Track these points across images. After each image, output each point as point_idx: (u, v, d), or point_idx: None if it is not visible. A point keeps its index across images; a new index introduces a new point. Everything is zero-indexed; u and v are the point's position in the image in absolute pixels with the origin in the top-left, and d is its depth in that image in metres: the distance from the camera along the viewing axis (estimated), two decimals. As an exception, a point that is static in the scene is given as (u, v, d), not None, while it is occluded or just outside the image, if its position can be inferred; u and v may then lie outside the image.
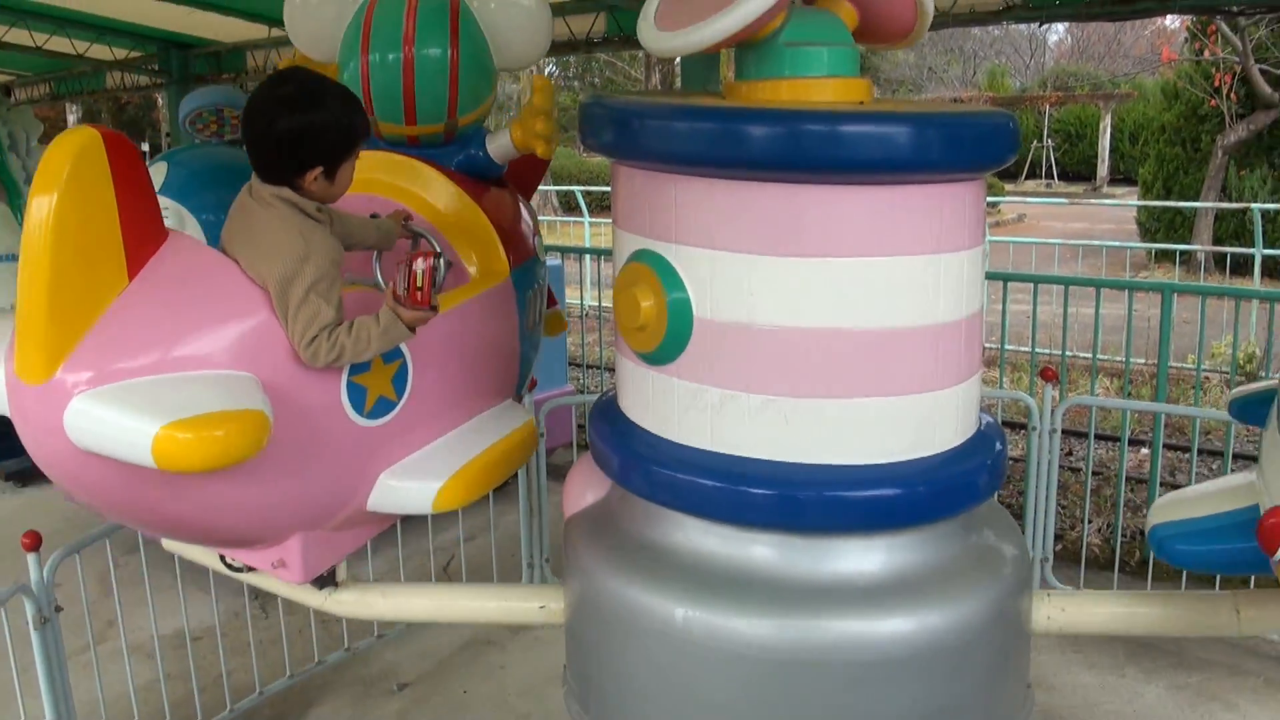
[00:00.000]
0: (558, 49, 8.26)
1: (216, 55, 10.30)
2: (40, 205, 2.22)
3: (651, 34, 2.52)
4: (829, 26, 2.60)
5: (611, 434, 2.85)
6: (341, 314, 2.67)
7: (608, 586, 2.73)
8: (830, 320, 2.44)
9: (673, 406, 2.66)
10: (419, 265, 2.67)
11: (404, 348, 2.87)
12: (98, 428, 2.29)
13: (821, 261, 2.41)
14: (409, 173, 3.47)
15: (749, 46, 2.59)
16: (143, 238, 2.40)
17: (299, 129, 2.68)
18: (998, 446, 2.76)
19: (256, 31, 9.28)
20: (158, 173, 5.33)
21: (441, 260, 2.78)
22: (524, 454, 3.34)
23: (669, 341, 2.59)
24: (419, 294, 2.67)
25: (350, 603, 3.27)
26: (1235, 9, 6.52)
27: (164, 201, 3.74)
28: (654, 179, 2.59)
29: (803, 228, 2.41)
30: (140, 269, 2.40)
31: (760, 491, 2.52)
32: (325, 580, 3.18)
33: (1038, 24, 6.59)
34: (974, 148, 2.47)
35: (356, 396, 2.79)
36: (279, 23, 9.05)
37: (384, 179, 3.47)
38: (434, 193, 3.45)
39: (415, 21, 3.36)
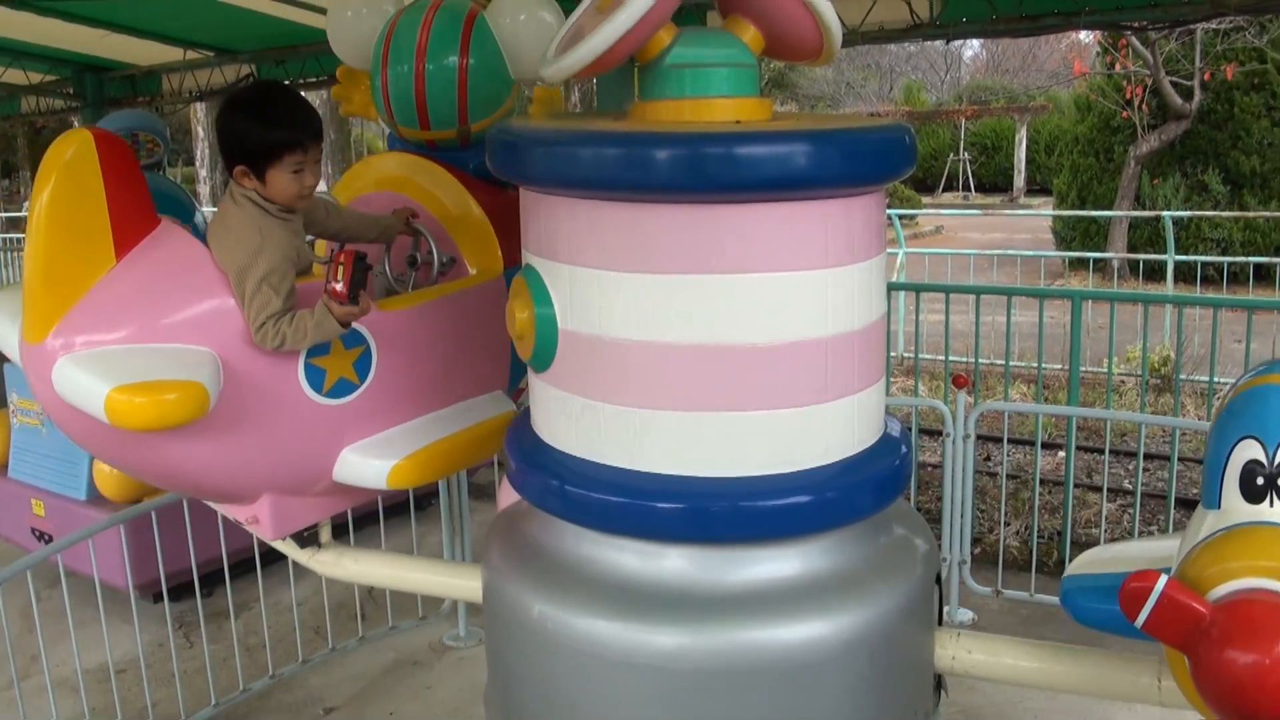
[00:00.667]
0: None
1: (131, 79, 10.23)
2: (38, 193, 2.60)
3: (541, 61, 2.60)
4: (720, 47, 2.65)
5: (513, 437, 2.93)
6: (291, 304, 2.91)
7: (513, 594, 2.77)
8: (677, 336, 2.49)
9: (552, 412, 2.75)
10: (341, 263, 2.85)
11: (367, 335, 3.13)
12: (70, 387, 2.66)
13: (668, 278, 2.46)
14: (425, 172, 3.74)
15: (644, 67, 2.64)
16: (130, 224, 2.75)
17: (222, 128, 3.04)
18: (903, 449, 2.81)
19: (172, 54, 9.24)
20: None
21: (364, 260, 2.91)
22: (492, 445, 3.49)
23: (540, 351, 2.69)
24: (338, 290, 2.85)
25: (328, 563, 3.56)
26: (1135, 25, 6.71)
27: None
28: (533, 198, 2.71)
29: (653, 245, 2.46)
30: (127, 252, 2.75)
31: (618, 499, 2.58)
32: (308, 540, 3.50)
33: (945, 41, 6.75)
34: (843, 163, 2.51)
35: (315, 377, 3.05)
36: (195, 45, 9.12)
37: (406, 177, 3.77)
38: (443, 191, 3.69)
39: (429, 34, 3.57)
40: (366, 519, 5.75)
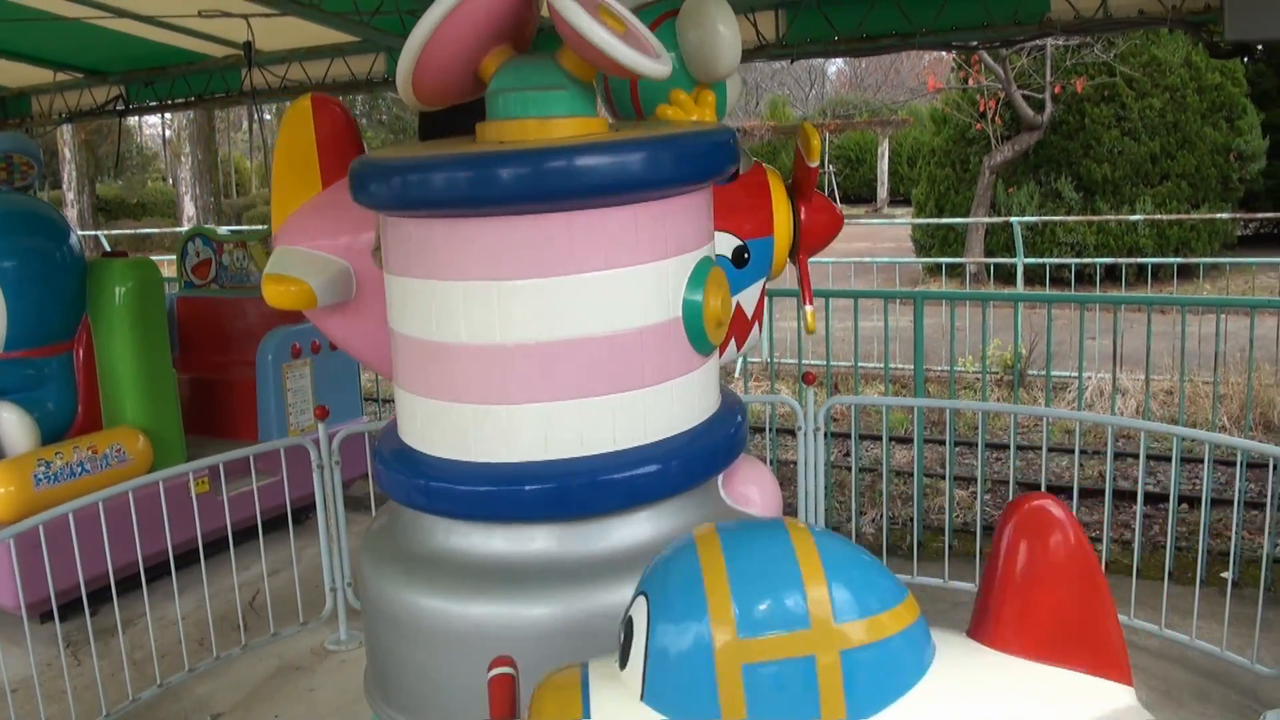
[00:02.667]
0: (340, 88, 8.49)
1: (1, 100, 10.14)
2: (278, 137, 3.78)
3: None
4: (528, 75, 2.93)
5: (379, 444, 3.21)
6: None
7: (390, 588, 2.99)
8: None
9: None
10: None
11: None
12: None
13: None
14: None
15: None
16: (334, 164, 3.65)
17: None
18: (738, 419, 3.14)
19: (42, 76, 9.22)
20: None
21: None
22: None
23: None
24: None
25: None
26: (968, 44, 7.16)
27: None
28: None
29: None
30: (331, 183, 3.66)
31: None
32: None
33: (790, 60, 7.13)
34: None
35: None
36: (65, 66, 9.10)
37: None
38: None
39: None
40: (247, 533, 5.89)
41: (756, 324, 3.79)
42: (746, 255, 3.64)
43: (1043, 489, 6.25)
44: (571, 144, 2.75)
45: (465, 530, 2.97)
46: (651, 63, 2.79)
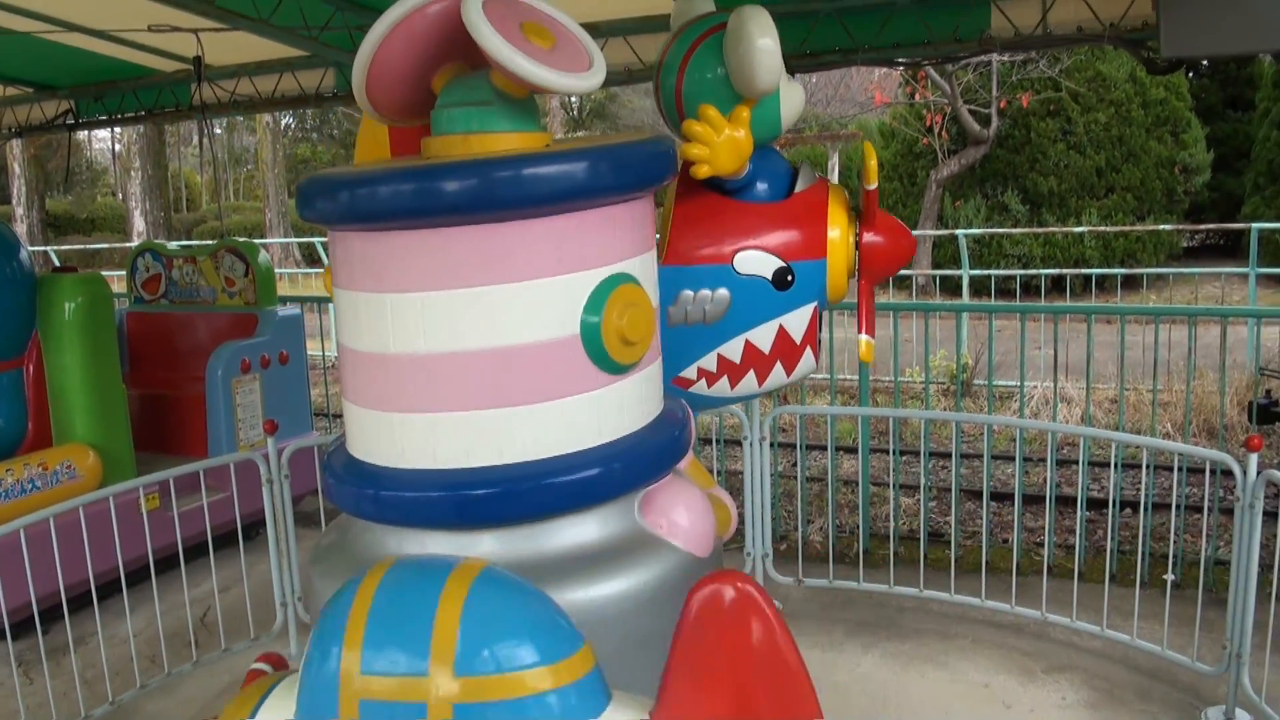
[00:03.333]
0: (290, 103, 8.51)
1: None
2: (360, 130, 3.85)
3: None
4: (459, 92, 2.97)
5: (328, 456, 3.21)
6: None
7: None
8: (473, 344, 2.84)
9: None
10: None
11: None
12: None
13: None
14: None
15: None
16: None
17: None
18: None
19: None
20: None
21: None
22: None
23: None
24: None
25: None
26: (906, 61, 7.28)
27: None
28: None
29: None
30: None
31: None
32: None
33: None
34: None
35: None
36: (13, 81, 9.04)
37: None
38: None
39: (667, 50, 3.60)
40: (196, 549, 5.89)
41: (809, 349, 3.67)
42: (790, 278, 3.54)
43: (985, 495, 6.39)
44: (439, 164, 2.79)
45: (414, 537, 2.99)
46: (569, 79, 2.79)
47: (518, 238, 2.79)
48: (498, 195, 2.72)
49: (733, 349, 3.58)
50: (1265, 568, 5.23)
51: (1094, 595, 5.55)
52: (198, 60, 7.67)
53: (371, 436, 2.99)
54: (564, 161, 2.78)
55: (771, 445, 5.78)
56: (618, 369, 2.96)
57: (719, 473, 7.31)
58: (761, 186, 3.64)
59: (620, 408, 3.01)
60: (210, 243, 8.11)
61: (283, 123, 35.64)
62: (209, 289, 7.61)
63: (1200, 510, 6.65)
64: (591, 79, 2.88)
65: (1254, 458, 4.58)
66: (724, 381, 3.65)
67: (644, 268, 3.09)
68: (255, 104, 8.75)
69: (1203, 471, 6.53)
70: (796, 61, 6.65)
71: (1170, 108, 20.16)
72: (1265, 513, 4.97)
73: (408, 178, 2.73)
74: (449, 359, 2.83)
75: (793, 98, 3.55)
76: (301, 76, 8.26)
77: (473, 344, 2.82)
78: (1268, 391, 8.29)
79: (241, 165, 44.78)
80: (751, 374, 3.63)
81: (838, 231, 3.57)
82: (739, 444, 8.72)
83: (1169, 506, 6.91)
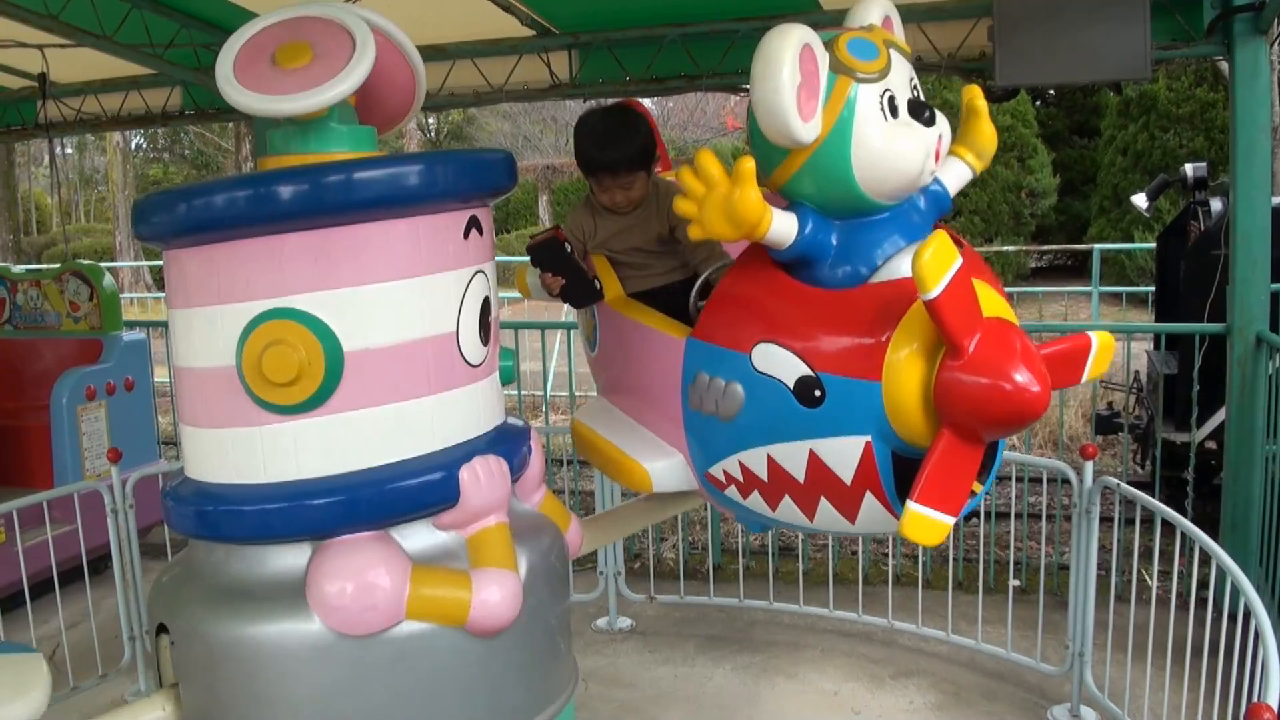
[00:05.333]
0: (138, 122, 8.35)
1: None
2: None
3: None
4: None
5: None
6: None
7: (187, 621, 2.96)
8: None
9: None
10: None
11: (595, 314, 3.85)
12: None
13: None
14: None
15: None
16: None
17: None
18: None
19: None
20: None
21: (554, 242, 3.55)
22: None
23: None
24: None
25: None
26: (749, 88, 7.46)
27: None
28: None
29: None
30: None
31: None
32: None
33: (583, 99, 7.37)
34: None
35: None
36: None
37: None
38: None
39: None
40: (43, 585, 5.69)
41: (873, 498, 2.75)
42: (818, 393, 2.68)
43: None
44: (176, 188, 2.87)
45: (256, 552, 2.94)
46: (281, 103, 2.71)
47: (193, 264, 2.85)
48: (166, 224, 2.81)
49: (755, 460, 2.90)
50: (1105, 570, 5.46)
51: (940, 602, 5.73)
52: (43, 77, 7.50)
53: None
54: (211, 192, 2.75)
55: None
56: (270, 407, 2.78)
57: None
58: (841, 268, 2.80)
59: (288, 450, 2.83)
60: (55, 266, 7.90)
61: (134, 143, 34.76)
62: (54, 314, 7.39)
63: (1041, 518, 6.92)
64: (307, 101, 2.73)
65: (1089, 465, 4.80)
66: (757, 498, 2.98)
67: (330, 304, 2.76)
68: (102, 122, 8.57)
69: (1044, 481, 6.80)
70: (642, 86, 6.79)
71: (1017, 134, 20.85)
72: (1102, 518, 5.21)
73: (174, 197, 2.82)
74: (183, 374, 2.95)
75: (875, 143, 2.66)
76: (148, 95, 8.13)
77: (181, 362, 2.94)
78: (1109, 404, 8.68)
79: (93, 186, 43.48)
80: (789, 501, 2.92)
81: (906, 351, 2.61)
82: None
83: (1014, 515, 7.21)
